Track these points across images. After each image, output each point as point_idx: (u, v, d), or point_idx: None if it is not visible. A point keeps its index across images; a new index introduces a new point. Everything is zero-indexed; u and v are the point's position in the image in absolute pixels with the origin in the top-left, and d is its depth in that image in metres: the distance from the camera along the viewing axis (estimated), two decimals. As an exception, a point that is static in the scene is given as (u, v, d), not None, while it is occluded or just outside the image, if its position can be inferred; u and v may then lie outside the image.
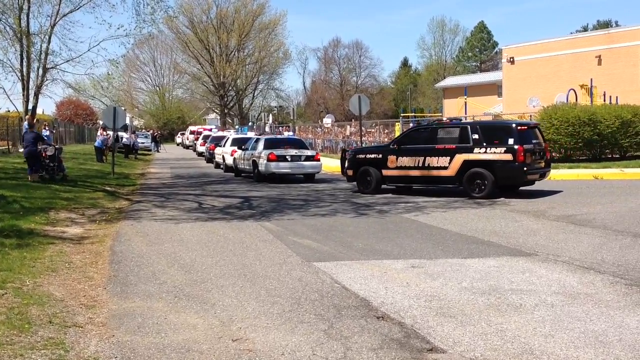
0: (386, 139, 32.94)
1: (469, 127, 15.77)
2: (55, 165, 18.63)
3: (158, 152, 55.02)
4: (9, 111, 35.64)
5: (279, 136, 27.27)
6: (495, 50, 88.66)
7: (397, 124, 37.58)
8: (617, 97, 33.00)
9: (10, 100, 36.45)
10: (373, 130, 40.73)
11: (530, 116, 28.61)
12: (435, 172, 15.78)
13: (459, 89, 58.53)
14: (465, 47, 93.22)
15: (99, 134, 34.04)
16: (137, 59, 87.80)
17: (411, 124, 34.00)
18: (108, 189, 18.74)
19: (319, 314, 5.82)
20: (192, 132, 60.93)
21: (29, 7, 26.33)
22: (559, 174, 20.29)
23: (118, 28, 27.91)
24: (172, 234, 10.55)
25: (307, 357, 4.76)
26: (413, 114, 62.96)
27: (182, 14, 68.06)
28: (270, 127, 58.08)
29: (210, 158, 34.96)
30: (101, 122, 36.58)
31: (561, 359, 4.64)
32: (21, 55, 27.03)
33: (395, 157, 16.50)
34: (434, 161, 15.76)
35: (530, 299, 6.20)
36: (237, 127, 67.28)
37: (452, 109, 55.47)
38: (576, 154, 24.37)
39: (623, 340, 4.97)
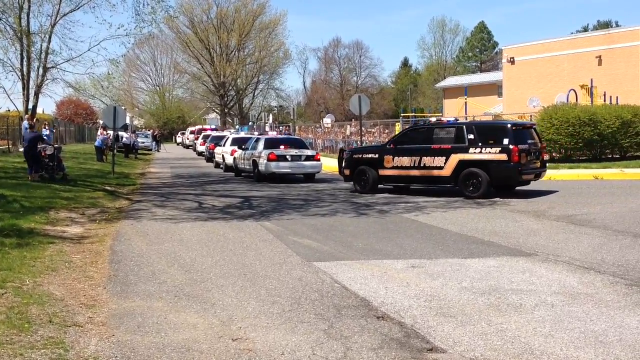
0: (386, 139, 32.92)
1: (464, 127, 15.84)
2: (54, 164, 18.63)
3: (158, 151, 55.06)
4: (9, 110, 35.62)
5: (279, 136, 27.23)
6: (495, 51, 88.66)
7: (397, 124, 37.59)
8: (617, 97, 33.01)
9: (11, 100, 36.46)
10: (373, 130, 40.72)
11: (531, 116, 28.61)
12: (431, 172, 15.84)
13: (459, 89, 58.54)
14: (466, 47, 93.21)
15: (99, 133, 34.04)
16: (138, 58, 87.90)
17: (411, 124, 33.97)
18: (108, 188, 18.74)
19: (319, 314, 5.82)
20: (192, 132, 60.96)
21: (29, 7, 26.33)
22: (559, 174, 20.30)
23: (118, 28, 28.01)
24: (172, 233, 10.55)
25: (307, 357, 4.75)
26: (413, 114, 62.97)
27: (182, 13, 68.13)
28: (271, 126, 58.09)
29: (210, 157, 34.99)
30: (101, 122, 36.61)
31: (561, 359, 4.64)
32: (21, 54, 27.03)
33: (391, 156, 16.56)
34: (429, 161, 15.81)
35: (531, 299, 6.20)
36: (237, 126, 67.28)
37: (452, 109, 55.47)
38: (576, 154, 24.37)
39: (623, 340, 4.97)
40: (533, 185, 16.70)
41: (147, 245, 9.48)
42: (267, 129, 55.96)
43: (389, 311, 5.87)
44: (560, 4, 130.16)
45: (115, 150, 27.31)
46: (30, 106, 27.56)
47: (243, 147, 24.09)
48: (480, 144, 15.12)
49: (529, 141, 15.44)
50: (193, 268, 7.85)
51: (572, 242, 9.21)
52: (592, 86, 34.92)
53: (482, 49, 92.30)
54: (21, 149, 23.37)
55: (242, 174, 24.39)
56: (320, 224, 11.58)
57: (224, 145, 29.19)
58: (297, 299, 6.34)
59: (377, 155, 16.96)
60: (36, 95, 28.05)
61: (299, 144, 23.18)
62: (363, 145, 26.69)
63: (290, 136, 32.05)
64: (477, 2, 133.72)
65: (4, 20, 25.74)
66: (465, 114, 47.41)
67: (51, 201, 14.04)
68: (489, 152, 14.94)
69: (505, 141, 14.84)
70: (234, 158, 25.26)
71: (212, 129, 50.55)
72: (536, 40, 43.82)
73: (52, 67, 27.96)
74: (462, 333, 5.23)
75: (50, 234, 10.11)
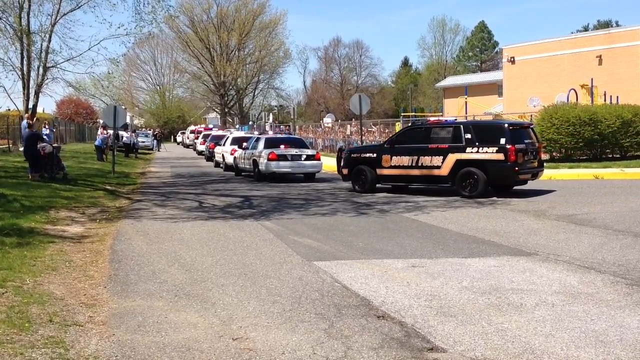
0: (386, 139, 32.91)
1: (461, 126, 15.86)
2: (53, 164, 18.58)
3: (159, 150, 55.08)
4: (9, 110, 35.62)
5: (279, 135, 27.25)
6: (495, 50, 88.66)
7: (397, 123, 37.61)
8: (617, 96, 33.00)
9: (11, 99, 36.51)
10: (374, 129, 40.73)
11: (531, 116, 28.62)
12: (428, 172, 15.86)
13: (460, 88, 58.54)
14: (466, 47, 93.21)
15: (99, 132, 34.03)
16: (138, 58, 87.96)
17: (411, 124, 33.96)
18: (108, 187, 18.74)
19: (319, 313, 5.81)
20: (192, 132, 60.97)
21: (29, 6, 26.33)
22: (559, 174, 20.30)
23: (119, 27, 27.96)
24: (172, 233, 10.55)
25: (307, 356, 4.75)
26: (413, 113, 62.98)
27: (182, 13, 68.00)
28: (271, 126, 58.06)
29: (209, 157, 35.02)
30: (101, 121, 36.59)
31: (562, 358, 4.63)
32: (22, 54, 27.03)
33: (389, 156, 16.59)
34: (427, 160, 15.83)
35: (531, 299, 6.19)
36: (237, 126, 67.27)
37: (452, 108, 55.48)
38: (577, 154, 24.36)
39: (624, 340, 4.97)
40: (533, 185, 16.69)
41: (148, 244, 9.48)
42: (267, 128, 55.97)
43: (390, 310, 5.87)
44: (560, 4, 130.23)
45: (115, 150, 27.30)
46: (30, 105, 27.56)
47: (243, 146, 24.08)
48: (477, 144, 15.14)
49: (526, 141, 15.47)
50: (193, 267, 7.85)
51: (572, 242, 9.21)
52: (592, 86, 34.91)
53: (482, 49, 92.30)
54: (21, 149, 23.36)
55: (243, 173, 24.39)
56: (321, 223, 11.58)
57: (223, 145, 29.21)
58: (297, 298, 6.34)
59: (375, 155, 16.99)
60: (36, 94, 28.05)
61: (300, 144, 23.17)
62: (363, 144, 26.69)
63: (291, 136, 32.03)
64: (478, 1, 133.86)
65: (4, 19, 25.74)
66: (466, 113, 47.43)
67: (51, 200, 14.04)
68: (486, 152, 14.96)
69: (502, 141, 14.85)
70: (234, 157, 25.27)
71: (209, 129, 50.54)
72: (536, 40, 43.82)
73: (53, 66, 27.97)
74: (462, 332, 5.23)
75: (51, 234, 10.11)
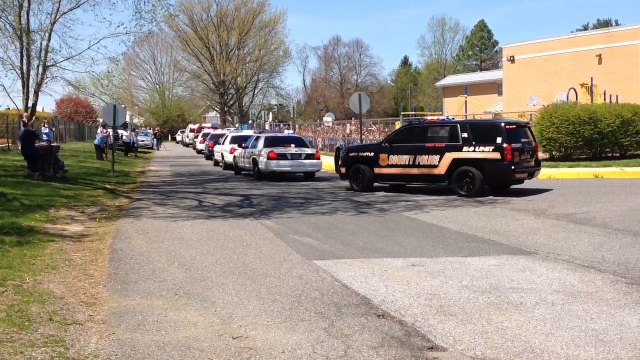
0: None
1: (458, 125, 15.90)
2: (51, 163, 18.50)
3: (159, 149, 55.09)
4: (9, 109, 35.62)
5: (279, 134, 27.25)
6: (495, 49, 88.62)
7: (397, 122, 37.60)
8: (617, 95, 32.98)
9: (10, 98, 36.35)
10: (373, 128, 40.72)
11: (531, 115, 28.61)
12: (425, 170, 15.91)
13: (459, 87, 58.47)
14: (466, 46, 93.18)
15: (98, 131, 34.02)
16: (137, 56, 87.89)
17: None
18: (108, 186, 18.74)
19: (319, 312, 5.82)
20: (192, 130, 60.97)
21: (29, 5, 26.34)
22: (559, 173, 20.30)
23: (118, 26, 27.95)
24: (172, 231, 10.55)
25: (307, 355, 4.75)
26: (413, 112, 62.95)
27: (182, 12, 68.08)
28: (271, 125, 58.04)
29: (209, 155, 35.04)
30: (101, 120, 36.58)
31: (562, 357, 4.63)
32: (21, 52, 27.04)
33: (386, 155, 16.64)
34: (424, 159, 15.88)
35: (531, 298, 6.19)
36: (237, 125, 67.26)
37: (452, 107, 55.46)
38: (576, 153, 24.35)
39: (624, 339, 4.97)
40: (533, 184, 16.70)
41: (147, 243, 9.48)
42: (266, 127, 55.95)
43: (390, 309, 5.87)
44: (560, 3, 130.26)
45: (115, 149, 27.29)
46: (30, 104, 27.56)
47: (243, 145, 24.08)
48: (474, 143, 15.18)
49: (523, 140, 15.51)
50: (193, 266, 7.85)
51: (572, 241, 9.21)
52: (592, 85, 34.89)
53: (482, 48, 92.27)
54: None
55: (242, 172, 24.39)
56: (321, 222, 11.58)
57: (223, 143, 29.23)
58: (297, 297, 6.34)
59: (372, 154, 17.05)
60: (36, 93, 28.06)
61: (299, 143, 23.16)
62: (363, 143, 26.69)
63: (291, 134, 32.03)
64: (477, 1, 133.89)
65: (4, 18, 25.78)
66: (466, 112, 47.42)
67: (51, 199, 14.03)
68: (483, 151, 15.00)
69: (499, 140, 14.89)
70: (234, 156, 25.27)
71: (215, 127, 50.57)
72: (536, 39, 43.79)
73: (52, 65, 27.98)
74: (462, 331, 5.23)
75: (50, 232, 10.11)
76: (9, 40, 26.54)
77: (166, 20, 36.39)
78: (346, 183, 18.41)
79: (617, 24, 72.40)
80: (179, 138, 75.58)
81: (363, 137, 28.73)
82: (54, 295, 6.37)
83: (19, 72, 27.17)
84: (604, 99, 33.37)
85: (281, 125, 55.15)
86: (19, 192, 14.30)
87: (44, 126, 29.95)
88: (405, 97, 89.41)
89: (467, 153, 15.20)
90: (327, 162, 25.25)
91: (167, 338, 5.15)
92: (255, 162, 22.13)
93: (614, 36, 38.97)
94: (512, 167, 14.81)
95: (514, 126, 16.01)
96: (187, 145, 61.99)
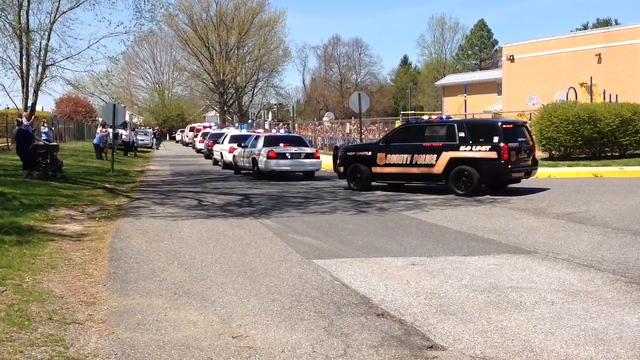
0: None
1: (455, 125, 15.95)
2: (48, 162, 18.40)
3: (158, 149, 55.11)
4: (8, 108, 35.63)
5: (278, 134, 27.27)
6: (495, 49, 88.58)
7: (396, 121, 37.59)
8: (616, 95, 32.99)
9: (10, 97, 36.44)
10: (374, 127, 40.71)
11: (530, 114, 28.60)
12: (422, 170, 15.94)
13: (459, 87, 58.49)
14: (465, 45, 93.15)
15: (98, 131, 34.00)
16: (137, 56, 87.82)
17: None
18: (107, 186, 18.73)
19: (319, 311, 5.81)
20: (191, 129, 61.02)
21: (28, 4, 26.30)
22: (558, 172, 20.31)
23: (118, 25, 28.04)
24: (171, 231, 10.54)
25: (307, 354, 4.75)
26: (413, 111, 62.95)
27: (181, 11, 68.02)
28: (270, 124, 58.02)
29: (208, 154, 35.09)
30: (101, 119, 36.56)
31: (561, 356, 4.63)
32: (21, 52, 27.01)
33: (384, 154, 16.67)
34: (421, 159, 15.92)
35: (530, 297, 6.20)
36: (236, 124, 67.25)
37: (452, 107, 55.46)
38: (576, 152, 24.36)
39: (623, 338, 4.97)
40: (532, 183, 16.71)
41: (147, 242, 9.48)
42: (266, 127, 55.91)
43: (389, 309, 5.87)
44: (559, 2, 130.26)
45: (115, 148, 27.28)
46: (29, 104, 27.54)
47: (242, 144, 24.07)
48: (470, 142, 15.21)
49: (520, 139, 15.55)
50: (193, 265, 7.85)
51: (571, 240, 9.22)
52: (591, 84, 34.89)
53: (481, 47, 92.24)
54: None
55: (242, 171, 24.39)
56: (320, 221, 11.58)
57: (222, 143, 29.24)
58: (297, 296, 6.34)
59: (370, 153, 17.08)
60: (35, 92, 28.03)
61: (299, 142, 23.16)
62: (363, 143, 26.69)
63: (290, 134, 32.05)
64: (477, 0, 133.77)
65: (4, 17, 25.76)
66: (465, 111, 47.43)
67: (50, 199, 14.03)
68: (479, 150, 15.03)
69: (496, 139, 14.92)
70: (234, 156, 25.27)
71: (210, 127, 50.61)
72: (536, 39, 43.79)
73: (52, 64, 27.96)
74: (462, 330, 5.23)
75: (50, 232, 10.11)
76: (9, 39, 26.54)
77: (165, 19, 36.43)
78: (345, 182, 18.42)
79: (616, 23, 72.39)
80: (178, 137, 75.59)
81: (363, 136, 28.72)
82: (53, 295, 6.37)
83: (18, 71, 27.15)
84: (604, 99, 33.37)
85: (280, 124, 55.11)
86: (18, 192, 14.29)
87: (43, 126, 29.93)
88: (405, 96, 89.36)
89: (464, 152, 15.24)
90: (327, 162, 25.25)
91: (166, 337, 5.15)
92: (254, 161, 22.12)
93: (614, 35, 38.97)
94: (509, 167, 14.84)
95: (511, 125, 16.05)
96: (186, 144, 62.03)
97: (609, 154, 24.52)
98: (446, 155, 15.47)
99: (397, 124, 35.72)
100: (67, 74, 40.61)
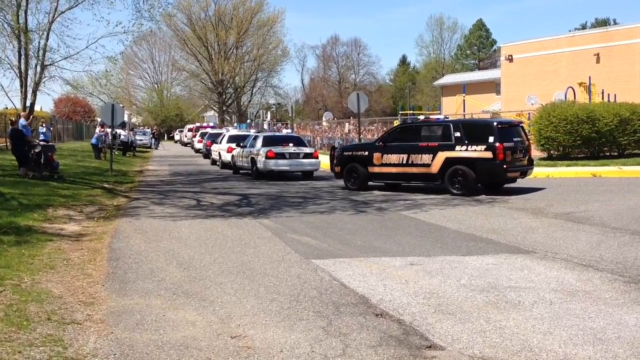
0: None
1: (451, 125, 15.98)
2: (41, 162, 18.32)
3: (157, 149, 55.11)
4: (7, 108, 35.59)
5: (277, 133, 27.30)
6: (493, 48, 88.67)
7: (395, 121, 37.60)
8: (615, 94, 33.03)
9: (9, 97, 36.39)
10: (372, 127, 40.71)
11: (529, 114, 28.63)
12: (418, 170, 15.99)
13: (458, 86, 58.51)
14: (464, 45, 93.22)
15: (97, 130, 33.98)
16: (135, 56, 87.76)
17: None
18: (106, 186, 18.71)
19: (317, 311, 5.82)
20: (190, 130, 61.03)
21: (27, 4, 26.30)
22: (557, 172, 20.33)
23: (116, 25, 27.94)
24: (170, 231, 10.54)
25: (305, 354, 4.75)
26: (411, 111, 62.95)
27: (180, 11, 68.00)
28: (269, 124, 58.00)
29: (207, 154, 35.13)
30: (99, 119, 36.56)
31: (560, 356, 4.64)
32: (19, 52, 27.02)
33: (380, 154, 16.71)
34: (417, 158, 15.96)
35: (529, 297, 6.20)
36: (235, 124, 67.22)
37: (450, 106, 55.46)
38: (574, 152, 24.38)
39: (622, 338, 4.98)
40: (531, 183, 16.73)
41: (146, 242, 9.47)
42: (265, 127, 55.90)
43: (388, 308, 5.87)
44: (558, 2, 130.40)
45: (114, 148, 27.26)
46: (28, 104, 27.54)
47: (241, 144, 24.07)
48: (466, 142, 15.24)
49: (515, 139, 15.57)
50: (191, 265, 7.84)
51: (570, 240, 9.22)
52: (590, 84, 34.92)
53: (480, 47, 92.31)
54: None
55: (241, 171, 24.39)
56: (319, 221, 11.58)
57: (220, 143, 29.26)
58: (295, 296, 6.34)
59: (367, 153, 17.12)
60: (34, 92, 28.03)
61: (298, 142, 23.16)
62: (358, 142, 26.70)
63: (289, 134, 32.04)
64: (476, 0, 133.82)
65: (2, 17, 25.77)
66: (464, 111, 47.44)
67: (49, 199, 14.02)
68: (475, 150, 15.06)
69: (491, 139, 14.95)
70: (232, 155, 25.27)
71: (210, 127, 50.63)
72: (534, 38, 43.83)
73: (50, 64, 27.96)
74: (460, 330, 5.23)
75: (49, 232, 10.10)
76: (7, 39, 26.57)
77: (164, 19, 36.41)
78: (343, 182, 18.44)
79: (615, 23, 72.44)
80: (177, 137, 75.56)
81: (362, 136, 28.72)
82: (52, 295, 6.36)
83: (17, 71, 27.16)
84: (602, 98, 33.40)
85: (279, 124, 55.10)
86: (17, 192, 14.28)
87: (41, 126, 29.89)
88: (404, 96, 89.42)
89: (460, 152, 15.27)
90: (326, 161, 25.25)
91: (165, 337, 5.15)
92: (253, 161, 22.12)
93: (612, 35, 39.01)
94: (504, 166, 14.88)
95: (506, 125, 16.10)
96: (185, 144, 62.04)
97: (608, 154, 24.55)
98: (442, 155, 15.50)
99: (396, 123, 35.75)
100: (66, 74, 40.67)
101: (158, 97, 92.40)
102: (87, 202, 14.55)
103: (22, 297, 6.15)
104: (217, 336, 5.17)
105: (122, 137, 38.92)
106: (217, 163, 29.26)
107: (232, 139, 27.41)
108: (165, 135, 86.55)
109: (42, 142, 21.27)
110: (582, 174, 19.86)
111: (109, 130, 28.24)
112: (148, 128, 70.43)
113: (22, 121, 21.02)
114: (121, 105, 32.32)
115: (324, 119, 52.38)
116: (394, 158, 16.43)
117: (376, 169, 16.86)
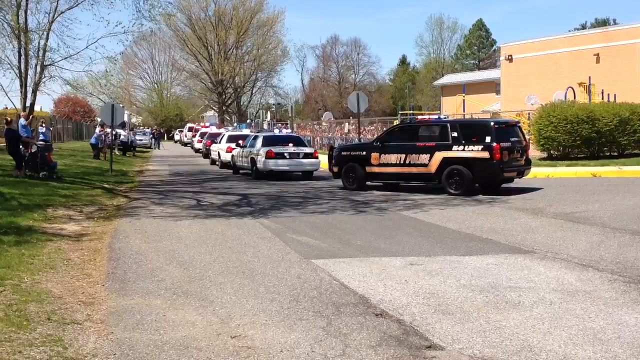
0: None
1: (448, 125, 16.02)
2: (38, 162, 18.28)
3: (158, 149, 55.13)
4: (7, 108, 35.57)
5: (277, 133, 27.30)
6: (493, 48, 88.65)
7: (395, 121, 37.61)
8: (615, 94, 33.02)
9: (8, 97, 36.38)
10: (372, 127, 40.70)
11: (529, 114, 28.63)
12: (416, 169, 16.02)
13: (457, 86, 58.47)
14: (464, 45, 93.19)
15: (97, 130, 33.97)
16: (135, 56, 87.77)
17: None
18: (106, 186, 18.71)
19: (317, 311, 5.82)
20: (190, 129, 61.07)
21: (27, 4, 26.26)
22: (557, 172, 20.33)
23: (116, 25, 27.83)
24: (170, 231, 10.54)
25: (305, 354, 4.75)
26: (411, 111, 62.94)
27: (180, 11, 67.93)
28: (269, 124, 57.99)
29: (206, 154, 35.18)
30: (99, 119, 36.55)
31: (560, 356, 4.64)
32: (19, 52, 26.99)
33: (378, 154, 16.74)
34: (414, 158, 15.99)
35: (529, 297, 6.20)
36: (234, 124, 67.22)
37: (450, 106, 55.46)
38: (574, 152, 24.39)
39: (621, 338, 4.98)
40: (531, 183, 16.73)
41: (146, 242, 9.47)
42: (265, 126, 55.89)
43: (388, 308, 5.87)
44: (558, 2, 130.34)
45: (114, 148, 27.26)
46: (28, 104, 27.52)
47: (241, 144, 24.07)
48: (463, 142, 15.26)
49: (512, 139, 15.59)
50: (191, 265, 7.84)
51: (570, 240, 9.22)
52: (590, 84, 34.93)
53: (480, 47, 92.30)
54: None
55: (241, 171, 24.39)
56: (319, 221, 11.58)
57: (219, 142, 29.29)
58: (295, 296, 6.34)
59: (364, 153, 17.15)
60: (34, 92, 28.00)
61: (297, 142, 23.16)
62: (356, 142, 26.69)
63: (289, 134, 32.04)
64: (476, 0, 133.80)
65: (2, 17, 25.71)
66: (464, 111, 47.44)
67: (49, 199, 14.02)
68: (472, 150, 15.09)
69: (488, 139, 14.97)
70: (232, 155, 25.28)
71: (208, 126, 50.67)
72: (534, 38, 43.80)
73: (50, 64, 27.91)
74: (460, 330, 5.23)
75: (49, 232, 10.10)
76: (7, 39, 26.51)
77: (164, 19, 36.32)
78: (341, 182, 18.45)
79: (615, 23, 72.39)
80: (177, 137, 75.56)
81: (361, 136, 28.72)
82: (52, 295, 6.36)
83: (17, 71, 27.13)
84: (602, 98, 33.41)
85: (279, 124, 55.08)
86: (16, 192, 14.29)
87: (41, 126, 29.87)
88: (404, 96, 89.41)
89: (457, 152, 15.30)
90: (325, 161, 25.26)
91: (165, 337, 5.15)
92: (253, 161, 22.12)
93: (612, 35, 39.00)
94: (501, 166, 14.92)
95: (503, 125, 16.10)
96: (185, 144, 62.08)
97: (608, 154, 24.56)
98: (439, 155, 15.52)
99: (396, 123, 35.75)
100: (66, 74, 40.58)
101: (158, 97, 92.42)
102: (87, 202, 14.55)
103: (22, 297, 6.15)
104: (217, 336, 5.17)
105: (122, 137, 38.93)
106: (217, 163, 29.28)
107: (231, 138, 27.43)
108: (165, 135, 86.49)
109: (41, 143, 21.24)
110: (582, 174, 19.87)
111: (109, 130, 28.23)
112: (148, 128, 70.43)
113: (21, 121, 21.02)
114: (121, 105, 32.30)
115: (323, 119, 52.38)
116: (391, 158, 16.45)
117: (374, 169, 16.87)
